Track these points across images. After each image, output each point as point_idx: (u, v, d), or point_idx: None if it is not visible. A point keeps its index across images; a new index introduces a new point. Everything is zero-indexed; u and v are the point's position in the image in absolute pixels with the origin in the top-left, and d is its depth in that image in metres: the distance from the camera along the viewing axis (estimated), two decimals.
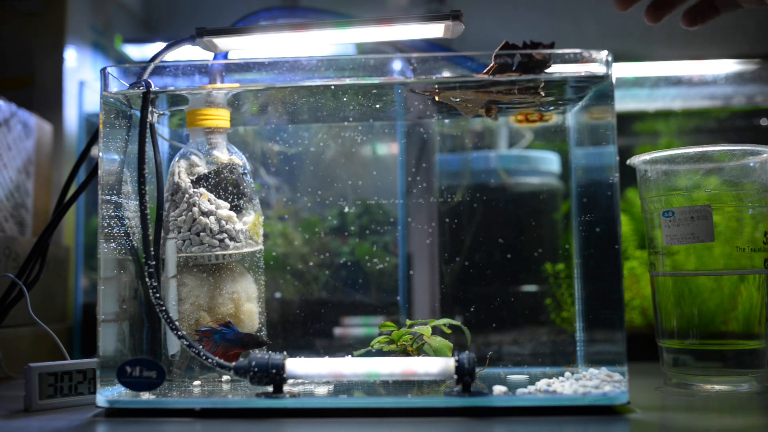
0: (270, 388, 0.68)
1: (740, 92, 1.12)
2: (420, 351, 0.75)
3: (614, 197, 0.71)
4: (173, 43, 0.78)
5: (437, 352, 0.74)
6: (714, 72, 1.11)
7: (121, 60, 1.25)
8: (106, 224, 0.72)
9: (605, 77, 0.71)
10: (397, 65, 0.78)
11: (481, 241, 0.97)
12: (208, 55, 0.82)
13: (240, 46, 0.80)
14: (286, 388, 0.68)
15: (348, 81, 0.74)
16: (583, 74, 0.71)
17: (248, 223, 0.79)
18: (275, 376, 0.67)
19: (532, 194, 1.01)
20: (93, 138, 0.82)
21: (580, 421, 0.63)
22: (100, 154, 0.72)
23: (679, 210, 0.77)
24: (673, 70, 1.10)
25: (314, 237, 1.01)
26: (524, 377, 0.77)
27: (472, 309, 0.96)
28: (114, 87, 0.74)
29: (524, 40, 0.70)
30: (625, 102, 1.12)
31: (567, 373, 0.74)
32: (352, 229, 1.01)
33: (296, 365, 0.68)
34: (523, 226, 0.98)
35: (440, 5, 1.28)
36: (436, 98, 0.77)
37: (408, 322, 0.79)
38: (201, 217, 0.77)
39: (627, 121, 1.13)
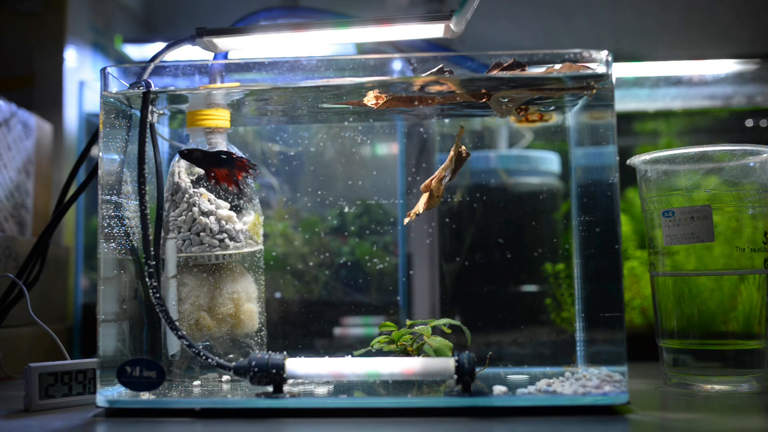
0: (270, 388, 0.68)
1: (740, 92, 1.12)
2: (420, 351, 0.75)
3: (614, 197, 0.71)
4: (173, 43, 0.78)
5: (437, 352, 0.74)
6: (714, 72, 1.11)
7: (121, 60, 1.25)
8: (106, 224, 0.72)
9: (605, 77, 0.71)
10: (397, 65, 0.78)
11: (481, 241, 0.97)
12: (208, 55, 0.82)
13: (240, 46, 0.80)
14: (286, 388, 0.68)
15: (348, 81, 0.74)
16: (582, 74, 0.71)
17: (248, 223, 0.79)
18: (275, 376, 0.67)
19: (532, 194, 1.01)
20: (93, 138, 0.82)
21: (580, 421, 0.63)
22: (100, 154, 0.72)
23: (679, 210, 0.77)
24: (673, 70, 1.10)
25: (314, 237, 1.01)
26: (524, 377, 0.77)
27: (472, 309, 0.96)
28: (114, 87, 0.74)
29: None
30: (625, 102, 1.12)
31: (567, 373, 0.74)
32: (352, 229, 1.01)
33: (296, 365, 0.68)
34: (523, 226, 0.98)
35: (440, 5, 1.28)
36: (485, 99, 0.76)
37: (408, 322, 0.79)
38: (201, 217, 0.77)
39: (627, 121, 1.13)
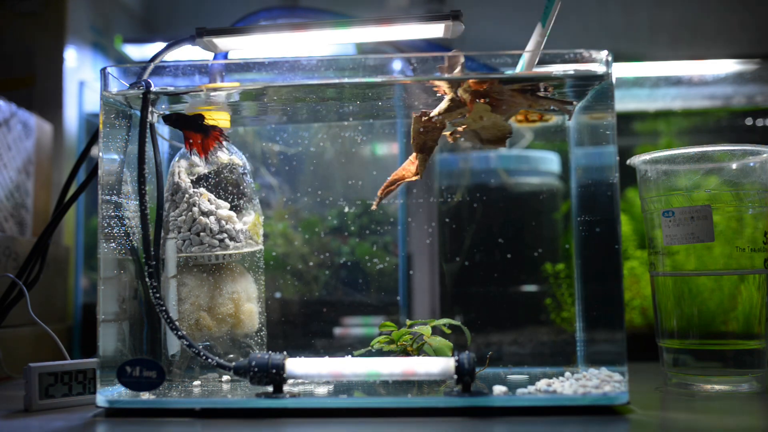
0: (270, 388, 0.68)
1: (740, 92, 1.12)
2: (420, 351, 0.75)
3: (614, 197, 0.71)
4: (173, 43, 0.78)
5: (437, 352, 0.74)
6: (714, 72, 1.11)
7: (121, 60, 1.25)
8: (106, 224, 0.72)
9: (605, 77, 0.71)
10: (397, 65, 0.78)
11: (481, 241, 0.97)
12: (208, 55, 0.82)
13: (240, 46, 0.80)
14: (286, 388, 0.68)
15: (348, 81, 0.73)
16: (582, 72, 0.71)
17: (248, 223, 0.79)
18: (275, 376, 0.67)
19: (532, 194, 1.01)
20: (93, 138, 0.82)
21: (580, 421, 0.63)
22: (100, 154, 0.72)
23: (679, 210, 0.77)
24: (673, 70, 1.10)
25: (314, 237, 1.01)
26: (524, 377, 0.77)
27: (472, 309, 0.96)
28: (114, 87, 0.74)
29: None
30: (625, 102, 1.12)
31: (567, 373, 0.74)
32: (352, 229, 1.01)
33: (296, 365, 0.68)
34: (523, 226, 0.98)
35: (440, 5, 1.28)
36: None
37: (408, 322, 0.79)
38: (201, 217, 0.77)
39: (627, 121, 1.13)
